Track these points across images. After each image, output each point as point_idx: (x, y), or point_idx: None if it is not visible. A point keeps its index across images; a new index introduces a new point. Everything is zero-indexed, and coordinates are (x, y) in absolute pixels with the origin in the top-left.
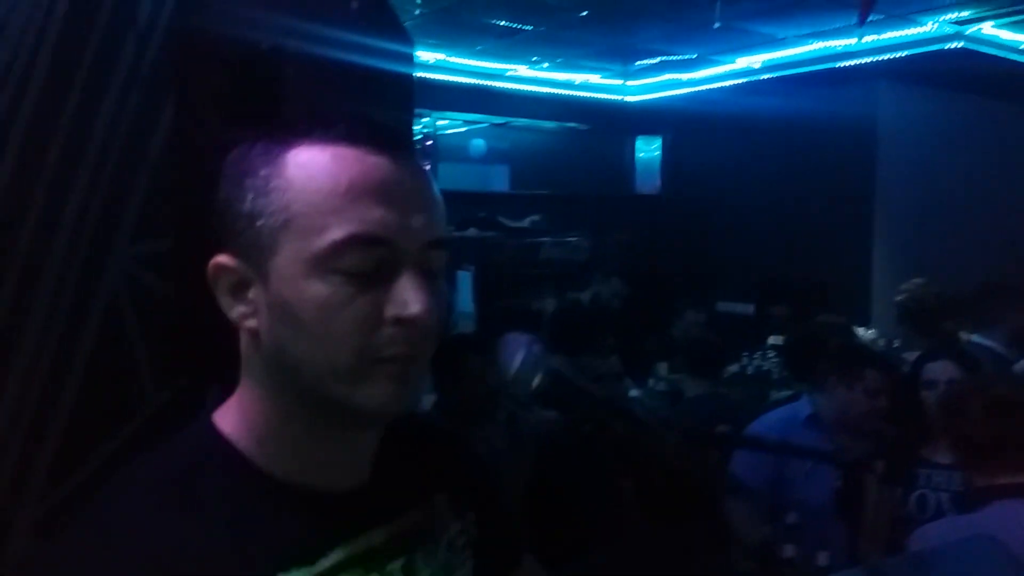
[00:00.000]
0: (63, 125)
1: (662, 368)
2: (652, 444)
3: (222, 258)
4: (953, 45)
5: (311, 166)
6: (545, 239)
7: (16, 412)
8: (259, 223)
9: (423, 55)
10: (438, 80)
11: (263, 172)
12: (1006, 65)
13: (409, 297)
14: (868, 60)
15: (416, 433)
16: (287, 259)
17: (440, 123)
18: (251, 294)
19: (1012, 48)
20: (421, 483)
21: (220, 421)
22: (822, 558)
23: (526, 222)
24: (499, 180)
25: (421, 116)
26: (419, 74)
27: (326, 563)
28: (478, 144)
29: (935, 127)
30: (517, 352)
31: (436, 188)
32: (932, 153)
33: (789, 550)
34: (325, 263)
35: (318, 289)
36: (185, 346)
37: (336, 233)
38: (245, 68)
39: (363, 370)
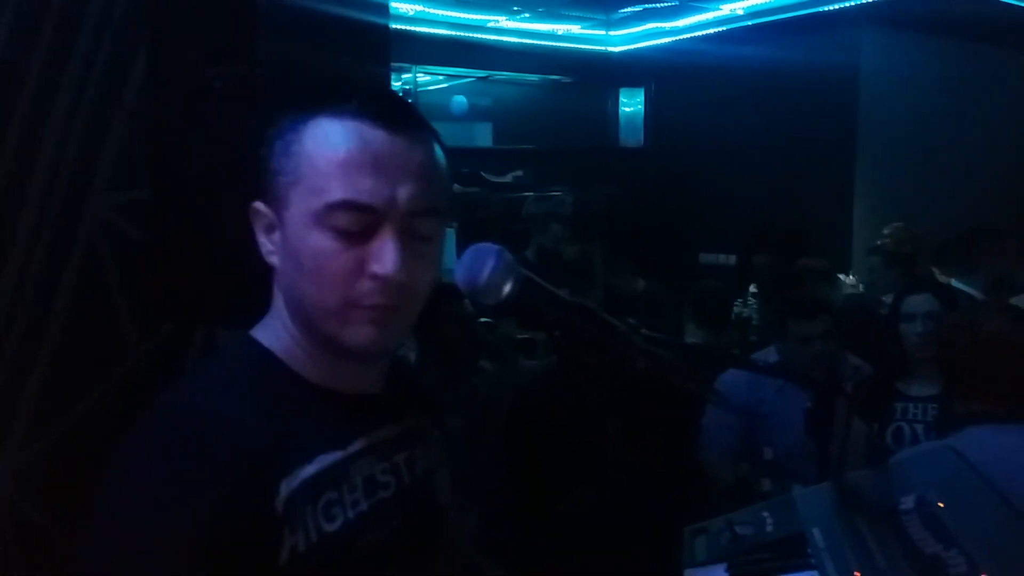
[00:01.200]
0: (32, 71)
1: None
2: (622, 346)
3: (257, 204)
4: None
5: (322, 136)
6: (528, 194)
7: None
8: (280, 179)
9: (402, 6)
10: (418, 32)
11: (288, 136)
12: (991, 7)
13: (386, 257)
14: (852, 3)
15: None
16: (296, 212)
17: (421, 78)
18: (276, 236)
19: None
20: (414, 398)
21: (258, 336)
22: (797, 491)
23: (509, 177)
24: (482, 137)
25: (402, 70)
26: (399, 26)
27: (352, 449)
28: (460, 101)
29: (917, 72)
30: (487, 260)
31: (436, 162)
32: (914, 99)
33: (765, 484)
34: (321, 220)
35: (315, 240)
36: (166, 294)
37: (331, 196)
38: (221, 9)
39: (346, 313)
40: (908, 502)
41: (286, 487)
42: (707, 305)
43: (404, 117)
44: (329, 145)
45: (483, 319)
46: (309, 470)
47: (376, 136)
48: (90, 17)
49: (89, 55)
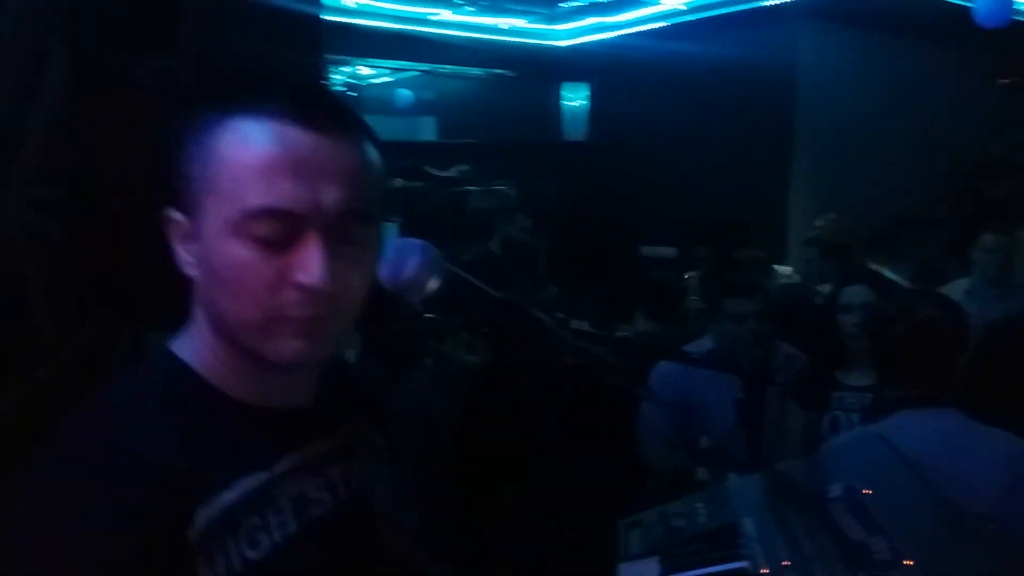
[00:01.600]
0: None
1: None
2: (549, 342)
3: (172, 212)
4: None
5: (237, 139)
6: (473, 188)
7: None
8: (194, 186)
9: None
10: (360, 25)
11: (202, 139)
12: (925, 3)
13: (311, 266)
14: None
15: (347, 367)
16: (211, 221)
17: (364, 72)
18: (192, 246)
19: None
20: (352, 406)
21: (177, 349)
22: (733, 480)
23: (453, 172)
24: (427, 131)
25: (343, 64)
26: (341, 19)
27: (279, 469)
28: (405, 95)
29: (853, 67)
30: (411, 256)
31: (366, 161)
32: (850, 93)
33: (702, 473)
34: (239, 229)
35: (233, 251)
36: (88, 295)
37: (248, 203)
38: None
39: (269, 327)
40: (837, 490)
41: (203, 516)
42: (658, 296)
43: (329, 113)
44: (245, 148)
45: (428, 315)
46: (229, 496)
47: (297, 136)
48: (7, 5)
49: (5, 44)
